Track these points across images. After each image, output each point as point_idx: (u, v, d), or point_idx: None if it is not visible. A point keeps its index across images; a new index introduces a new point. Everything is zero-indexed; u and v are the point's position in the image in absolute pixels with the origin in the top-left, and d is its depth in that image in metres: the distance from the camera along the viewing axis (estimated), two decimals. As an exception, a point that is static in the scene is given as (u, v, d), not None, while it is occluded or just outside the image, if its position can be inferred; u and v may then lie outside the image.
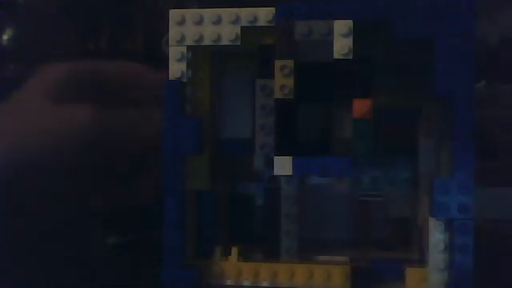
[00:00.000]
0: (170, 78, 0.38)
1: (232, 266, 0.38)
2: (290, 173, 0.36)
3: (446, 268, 0.36)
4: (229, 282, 0.38)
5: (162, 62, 0.38)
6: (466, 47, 0.34)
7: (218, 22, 0.37)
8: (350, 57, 0.35)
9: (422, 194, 0.40)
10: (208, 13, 0.37)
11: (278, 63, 0.36)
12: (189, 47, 0.38)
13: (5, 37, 0.46)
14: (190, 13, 0.38)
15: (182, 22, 0.38)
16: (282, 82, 0.36)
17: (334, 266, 0.38)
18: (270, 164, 0.36)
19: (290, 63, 0.36)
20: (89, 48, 0.49)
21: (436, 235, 0.36)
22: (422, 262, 0.39)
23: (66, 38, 0.48)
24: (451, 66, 0.34)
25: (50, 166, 0.39)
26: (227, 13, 0.37)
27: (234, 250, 0.39)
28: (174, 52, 0.38)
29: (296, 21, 0.36)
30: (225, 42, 0.37)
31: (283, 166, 0.36)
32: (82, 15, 0.49)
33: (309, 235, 0.42)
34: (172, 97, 0.37)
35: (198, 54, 0.39)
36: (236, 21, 0.37)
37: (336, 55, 0.35)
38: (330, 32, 0.35)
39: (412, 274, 0.38)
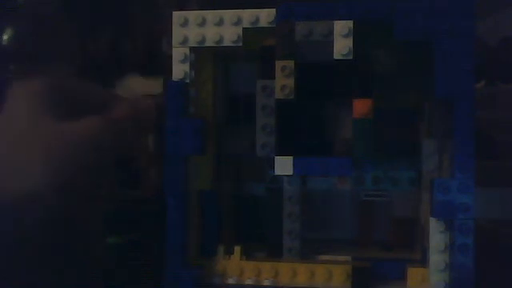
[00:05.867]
0: (173, 79, 0.38)
1: (235, 265, 0.39)
2: (291, 173, 0.36)
3: (446, 268, 0.36)
4: (231, 281, 0.38)
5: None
6: (466, 47, 0.34)
7: (220, 23, 0.38)
8: (350, 57, 0.35)
9: (423, 194, 0.40)
10: (210, 14, 0.38)
11: (278, 64, 0.36)
12: (192, 48, 0.38)
13: (5, 37, 0.46)
14: (193, 15, 0.38)
15: (185, 24, 0.38)
16: (283, 82, 0.36)
17: (335, 265, 0.38)
18: (271, 164, 0.37)
19: (290, 64, 0.36)
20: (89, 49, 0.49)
21: (436, 235, 0.36)
22: (423, 261, 0.39)
23: (66, 38, 0.48)
24: (451, 66, 0.34)
25: None
26: (229, 14, 0.37)
27: (237, 249, 0.39)
28: (177, 53, 0.38)
29: (296, 22, 0.36)
30: (227, 43, 0.38)
31: (284, 166, 0.36)
32: (82, 15, 0.49)
33: (311, 235, 0.43)
34: (175, 97, 0.38)
35: (200, 55, 0.40)
36: (238, 22, 0.37)
37: (336, 56, 0.35)
38: (331, 33, 0.35)
39: (413, 274, 0.38)
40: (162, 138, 0.37)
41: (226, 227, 0.42)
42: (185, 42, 0.38)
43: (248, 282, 0.38)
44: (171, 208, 0.37)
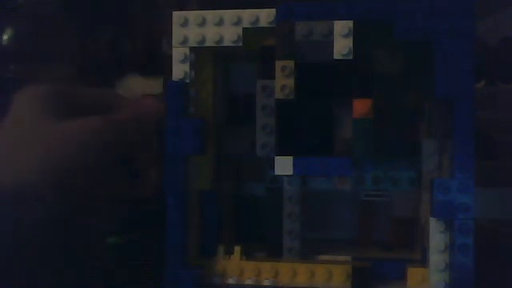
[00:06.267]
0: (173, 79, 0.38)
1: (235, 265, 0.39)
2: (291, 173, 0.36)
3: (446, 268, 0.36)
4: (231, 281, 0.38)
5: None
6: (466, 47, 0.34)
7: (220, 23, 0.38)
8: (350, 57, 0.35)
9: (423, 194, 0.40)
10: (210, 14, 0.38)
11: (278, 64, 0.36)
12: (192, 48, 0.38)
13: (5, 37, 0.46)
14: (193, 15, 0.38)
15: (185, 24, 0.38)
16: (283, 82, 0.36)
17: (335, 265, 0.38)
18: (271, 164, 0.37)
19: (290, 64, 0.36)
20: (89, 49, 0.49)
21: (436, 235, 0.36)
22: (423, 261, 0.39)
23: (66, 38, 0.48)
24: (451, 66, 0.34)
25: None
26: (229, 14, 0.37)
27: (237, 249, 0.39)
28: (177, 53, 0.38)
29: (296, 22, 0.36)
30: (227, 43, 0.38)
31: (284, 166, 0.36)
32: (82, 15, 0.49)
33: (311, 235, 0.43)
34: (175, 97, 0.38)
35: (200, 55, 0.40)
36: (238, 22, 0.37)
37: (336, 56, 0.35)
38: (331, 33, 0.35)
39: (413, 274, 0.38)
40: (162, 138, 0.37)
41: (226, 227, 0.42)
42: (185, 42, 0.38)
43: (248, 281, 0.38)
44: (171, 208, 0.37)
